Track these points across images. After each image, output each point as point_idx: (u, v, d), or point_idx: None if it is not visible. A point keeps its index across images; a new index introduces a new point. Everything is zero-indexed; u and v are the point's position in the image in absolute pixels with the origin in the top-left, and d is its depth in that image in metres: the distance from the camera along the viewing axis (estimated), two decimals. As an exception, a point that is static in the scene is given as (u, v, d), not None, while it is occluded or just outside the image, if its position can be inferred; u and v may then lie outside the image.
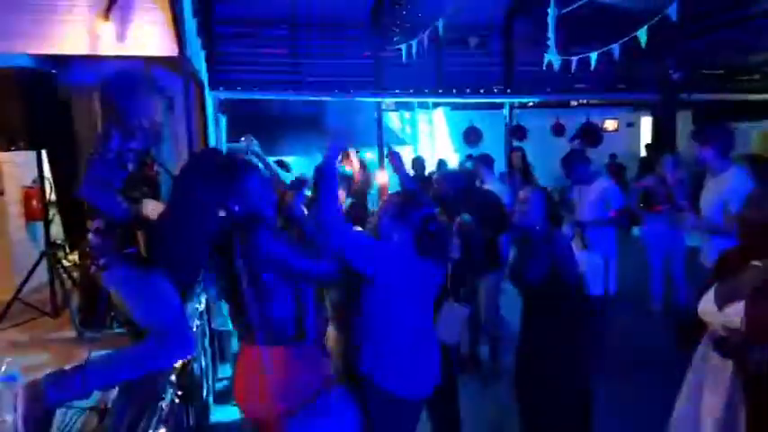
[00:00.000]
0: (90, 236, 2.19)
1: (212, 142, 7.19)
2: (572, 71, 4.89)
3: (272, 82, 7.94)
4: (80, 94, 5.53)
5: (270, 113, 11.89)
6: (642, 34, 4.22)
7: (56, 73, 4.25)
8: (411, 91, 8.56)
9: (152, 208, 2.11)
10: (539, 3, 6.71)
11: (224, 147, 8.84)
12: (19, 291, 3.87)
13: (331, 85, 8.18)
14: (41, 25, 4.64)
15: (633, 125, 13.80)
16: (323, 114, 12.66)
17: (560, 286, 2.62)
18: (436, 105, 12.54)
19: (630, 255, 5.68)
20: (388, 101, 10.24)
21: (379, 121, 9.16)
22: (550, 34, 3.94)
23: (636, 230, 8.45)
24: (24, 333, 3.69)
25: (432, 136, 13.52)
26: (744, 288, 1.82)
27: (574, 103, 12.43)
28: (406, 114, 13.63)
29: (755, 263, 1.86)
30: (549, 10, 3.78)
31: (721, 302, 1.89)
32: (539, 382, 2.69)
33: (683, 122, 9.60)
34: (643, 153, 12.24)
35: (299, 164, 10.30)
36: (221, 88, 7.52)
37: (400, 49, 6.89)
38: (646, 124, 13.23)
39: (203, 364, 3.15)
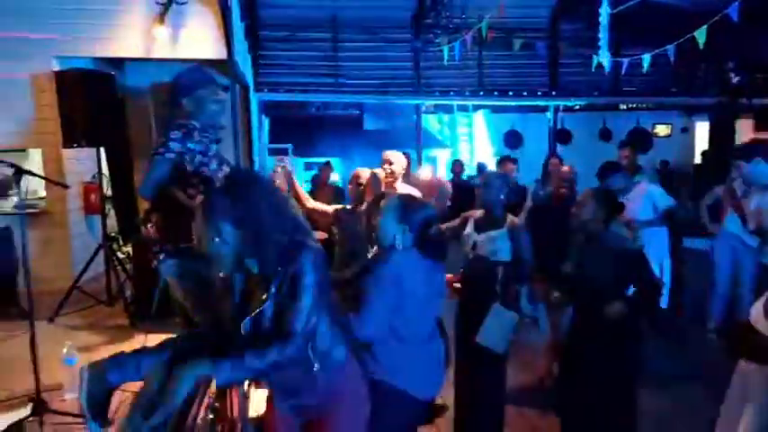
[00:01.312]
0: (151, 231, 2.31)
1: (256, 143, 7.39)
2: (623, 73, 4.76)
3: (313, 84, 8.08)
4: (134, 95, 5.81)
5: (309, 115, 12.10)
6: (701, 35, 4.06)
7: (115, 74, 4.48)
8: (451, 93, 8.53)
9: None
10: (587, 2, 6.59)
11: (266, 148, 9.08)
12: (77, 280, 4.09)
13: (371, 86, 8.25)
14: (102, 30, 4.89)
15: (687, 131, 13.25)
16: (362, 116, 12.79)
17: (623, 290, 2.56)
18: (477, 108, 12.44)
19: (687, 269, 5.32)
20: (428, 103, 10.24)
21: (418, 124, 9.17)
22: (602, 34, 3.84)
23: (689, 242, 8.10)
24: (82, 319, 3.90)
25: (471, 139, 13.41)
26: None
27: (623, 106, 12.04)
28: (445, 117, 13.58)
29: None
30: (602, 9, 3.69)
31: None
32: (582, 391, 2.63)
33: (743, 129, 9.16)
34: (698, 160, 11.74)
35: (338, 165, 10.46)
36: (265, 90, 7.71)
37: (441, 51, 6.88)
38: (701, 130, 12.65)
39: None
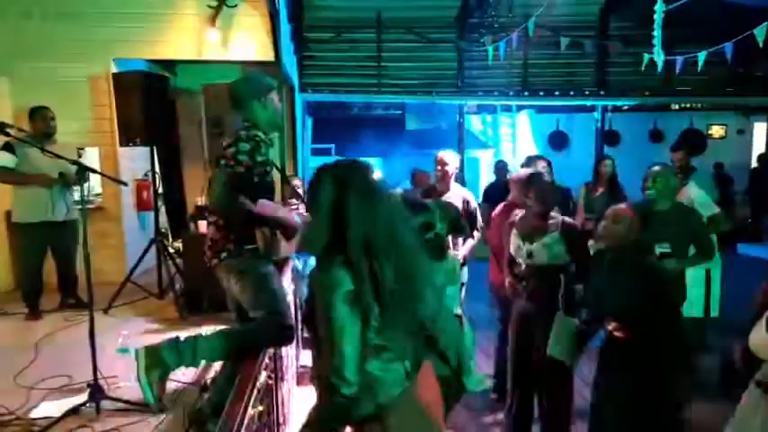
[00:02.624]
0: (210, 230, 2.35)
1: (300, 144, 7.51)
2: (676, 72, 4.56)
3: (357, 84, 8.13)
4: (184, 96, 6.01)
5: (352, 115, 12.20)
6: (761, 32, 3.85)
7: (168, 76, 4.65)
8: (495, 93, 8.40)
9: (265, 204, 2.22)
10: None
11: (309, 148, 9.21)
12: (131, 273, 4.28)
13: (414, 87, 8.24)
14: (157, 33, 5.09)
15: (744, 132, 12.59)
16: (404, 116, 12.78)
17: (651, 314, 2.35)
18: (520, 108, 12.22)
19: (742, 277, 4.95)
20: (471, 103, 10.12)
21: (461, 124, 9.09)
22: (656, 32, 3.69)
23: (745, 249, 7.66)
24: (134, 311, 4.07)
25: (514, 139, 13.18)
26: None
27: (674, 106, 11.55)
28: (488, 117, 13.40)
29: None
30: (656, 7, 3.55)
31: None
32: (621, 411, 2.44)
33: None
34: (755, 164, 11.12)
35: (380, 165, 10.50)
36: (309, 91, 7.82)
37: (486, 51, 6.79)
38: (759, 131, 11.98)
39: (291, 351, 3.31)
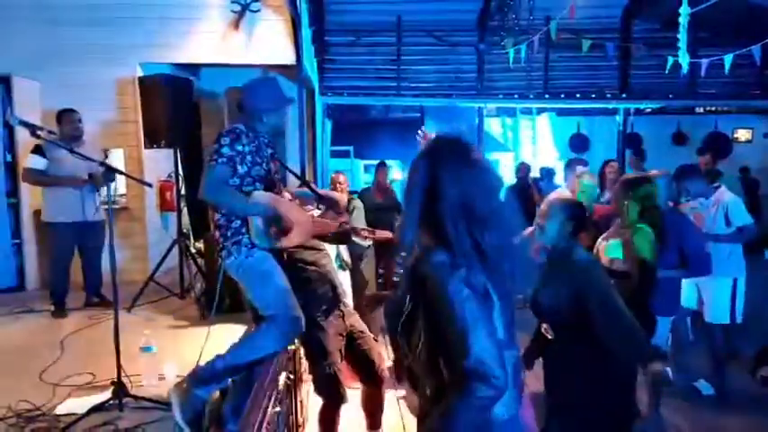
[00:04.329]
0: (213, 228, 2.41)
1: (319, 146, 7.56)
2: (702, 75, 4.47)
3: (376, 87, 8.15)
4: (208, 99, 6.11)
5: (370, 118, 12.21)
6: (789, 34, 3.77)
7: (192, 79, 4.73)
8: (516, 96, 8.34)
9: (260, 196, 2.28)
10: (662, 1, 6.25)
11: (328, 150, 9.26)
12: (153, 273, 4.36)
13: (434, 89, 8.22)
14: (181, 37, 5.18)
15: (771, 136, 12.27)
16: (422, 119, 12.76)
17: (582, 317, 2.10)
18: (541, 111, 12.11)
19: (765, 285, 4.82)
20: (490, 105, 10.06)
21: (480, 127, 9.03)
22: (681, 34, 3.63)
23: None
24: (156, 310, 4.15)
25: (534, 142, 13.06)
26: None
27: (699, 109, 11.31)
28: (508, 120, 13.30)
29: None
30: (682, 9, 3.49)
31: None
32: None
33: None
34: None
35: (399, 167, 10.50)
36: (329, 94, 7.87)
37: (506, 53, 6.76)
38: (787, 135, 11.68)
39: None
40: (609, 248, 2.86)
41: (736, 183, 5.11)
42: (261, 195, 2.32)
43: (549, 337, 2.24)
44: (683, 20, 3.51)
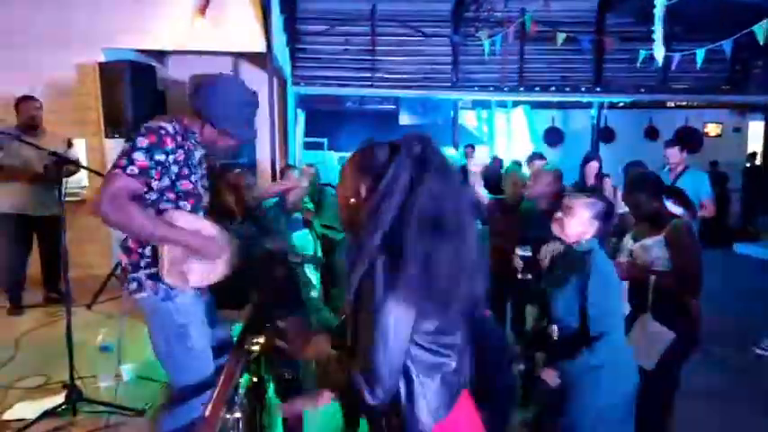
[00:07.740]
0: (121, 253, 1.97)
1: (292, 137, 7.41)
2: (672, 69, 4.50)
3: (350, 78, 8.03)
4: (174, 86, 5.89)
5: (345, 109, 12.08)
6: (760, 30, 3.80)
7: (155, 66, 4.54)
8: (491, 89, 8.32)
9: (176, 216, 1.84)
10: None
11: (302, 141, 9.10)
12: (115, 268, 4.19)
13: (409, 81, 8.14)
14: (144, 21, 4.96)
15: (740, 130, 12.59)
16: (398, 111, 12.67)
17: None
18: (516, 104, 12.16)
19: (736, 278, 4.79)
20: (466, 98, 10.05)
21: (455, 120, 9.00)
22: (656, 27, 3.63)
23: (743, 248, 7.59)
24: (119, 307, 3.97)
25: (509, 135, 13.12)
26: None
27: (670, 103, 11.53)
28: (483, 113, 13.33)
29: None
30: (657, 2, 3.48)
31: None
32: None
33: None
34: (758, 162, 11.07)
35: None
36: (302, 83, 7.71)
37: (481, 45, 6.72)
38: (755, 130, 11.98)
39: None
40: (646, 248, 2.65)
41: (704, 176, 5.13)
42: (179, 218, 1.82)
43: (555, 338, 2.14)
44: (658, 11, 3.51)
